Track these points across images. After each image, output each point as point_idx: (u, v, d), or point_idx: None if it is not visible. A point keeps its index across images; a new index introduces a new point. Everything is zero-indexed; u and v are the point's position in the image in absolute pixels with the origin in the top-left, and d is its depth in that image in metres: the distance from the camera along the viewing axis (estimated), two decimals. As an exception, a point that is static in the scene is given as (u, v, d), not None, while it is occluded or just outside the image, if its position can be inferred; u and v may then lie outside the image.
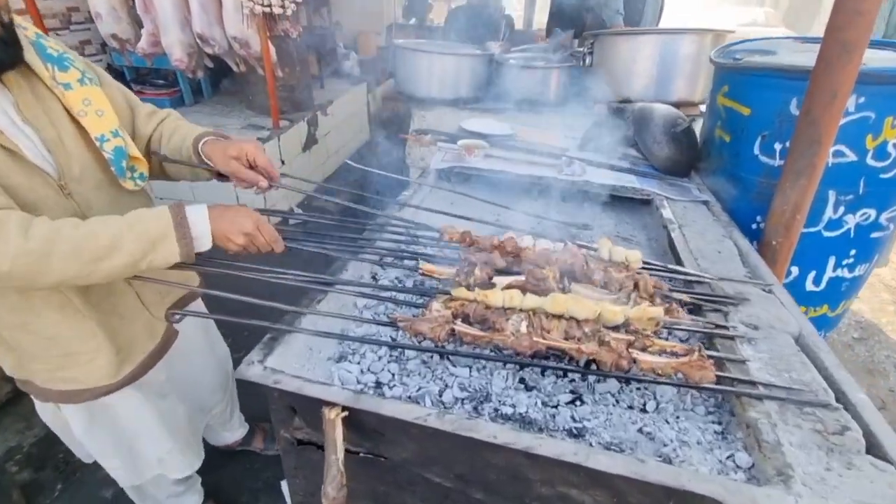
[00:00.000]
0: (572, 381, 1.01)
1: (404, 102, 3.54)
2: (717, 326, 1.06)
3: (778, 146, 1.72)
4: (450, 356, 1.03)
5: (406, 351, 1.03)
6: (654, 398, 0.97)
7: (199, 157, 1.19)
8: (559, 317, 1.01)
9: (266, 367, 0.86)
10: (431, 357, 1.03)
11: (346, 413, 0.81)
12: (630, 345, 0.95)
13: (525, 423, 0.89)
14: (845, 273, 1.89)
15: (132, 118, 1.22)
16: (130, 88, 4.40)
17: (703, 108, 2.91)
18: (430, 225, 1.35)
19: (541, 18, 6.65)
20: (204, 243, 0.94)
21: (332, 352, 1.04)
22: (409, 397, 0.92)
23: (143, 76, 4.56)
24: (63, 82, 0.98)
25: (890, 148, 1.60)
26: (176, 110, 4.17)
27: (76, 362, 1.11)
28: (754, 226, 1.82)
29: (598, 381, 1.00)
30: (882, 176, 1.65)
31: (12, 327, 1.04)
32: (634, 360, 0.91)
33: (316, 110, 4.67)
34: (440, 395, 0.92)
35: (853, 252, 1.83)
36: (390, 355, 1.03)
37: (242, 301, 0.96)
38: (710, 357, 0.92)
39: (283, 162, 4.09)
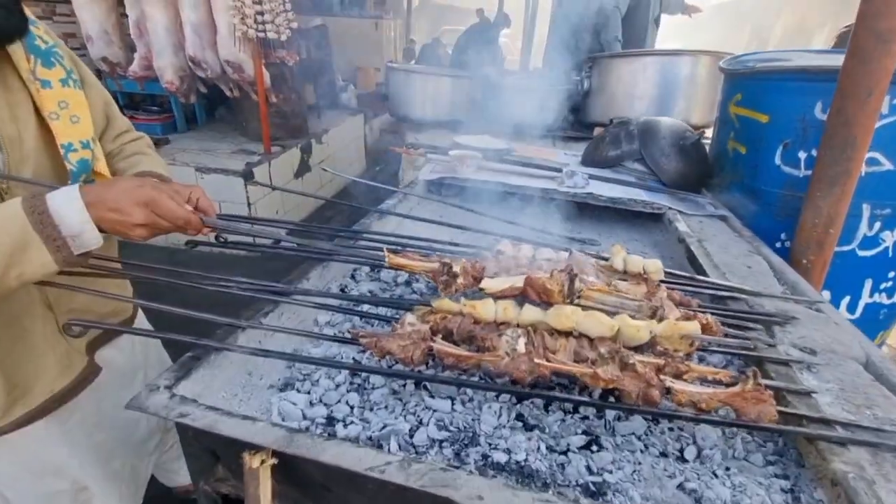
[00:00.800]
0: (585, 418, 0.78)
1: (400, 132, 3.45)
2: (767, 346, 0.85)
3: (803, 154, 1.55)
4: (427, 384, 0.80)
5: (371, 377, 0.80)
6: (694, 442, 0.74)
7: None
8: (567, 334, 0.80)
9: (174, 394, 0.64)
10: (403, 385, 0.80)
11: (275, 460, 0.58)
12: (660, 370, 0.73)
13: (524, 475, 0.66)
14: (884, 299, 1.68)
15: (104, 130, 1.09)
16: (122, 114, 4.33)
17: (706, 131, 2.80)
18: (417, 236, 1.16)
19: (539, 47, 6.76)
20: (88, 240, 0.72)
21: (277, 377, 0.82)
22: (370, 438, 0.69)
23: (137, 102, 4.50)
24: (43, 79, 0.87)
25: (930, 155, 1.44)
26: (168, 136, 4.04)
27: None
28: (779, 244, 1.63)
29: (620, 418, 0.78)
30: (922, 187, 1.48)
31: None
32: (668, 390, 0.69)
33: (311, 138, 4.58)
34: (411, 436, 0.69)
35: (892, 274, 1.63)
36: (351, 382, 0.80)
37: (182, 314, 0.75)
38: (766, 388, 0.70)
39: (272, 188, 3.95)
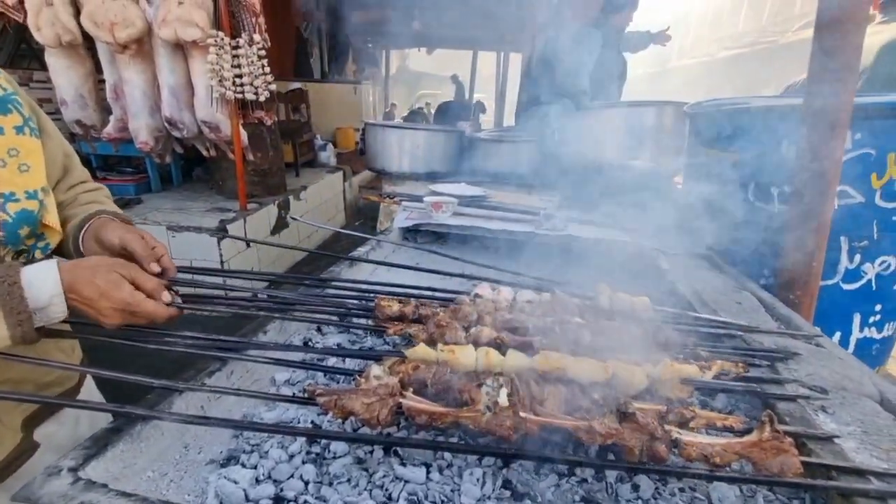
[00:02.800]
0: (584, 481, 0.67)
1: (378, 186, 3.45)
2: (769, 382, 0.77)
3: (775, 190, 1.56)
4: (397, 449, 0.69)
5: (332, 444, 0.68)
6: (710, 503, 0.63)
7: (80, 230, 0.95)
8: (556, 380, 0.71)
9: (80, 478, 0.52)
10: (370, 452, 0.69)
11: (200, 559, 0.46)
12: (663, 418, 0.64)
13: (515, 558, 0.54)
14: (874, 333, 1.64)
15: (60, 180, 1.03)
16: (96, 177, 4.30)
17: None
18: (390, 282, 1.08)
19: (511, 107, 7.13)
20: (53, 314, 0.69)
21: (220, 450, 0.69)
22: (327, 522, 0.56)
23: (112, 164, 4.45)
24: None
25: (898, 187, 1.46)
26: (141, 196, 3.96)
27: None
28: (763, 280, 1.59)
29: (622, 479, 0.67)
30: (895, 218, 1.49)
31: None
32: (675, 443, 0.60)
33: (289, 195, 4.56)
34: (378, 515, 0.57)
35: (879, 307, 1.60)
36: (308, 452, 0.68)
37: (116, 378, 0.64)
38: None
39: (248, 244, 3.85)
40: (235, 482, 0.60)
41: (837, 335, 1.64)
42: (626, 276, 1.61)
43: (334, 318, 0.92)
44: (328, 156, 6.20)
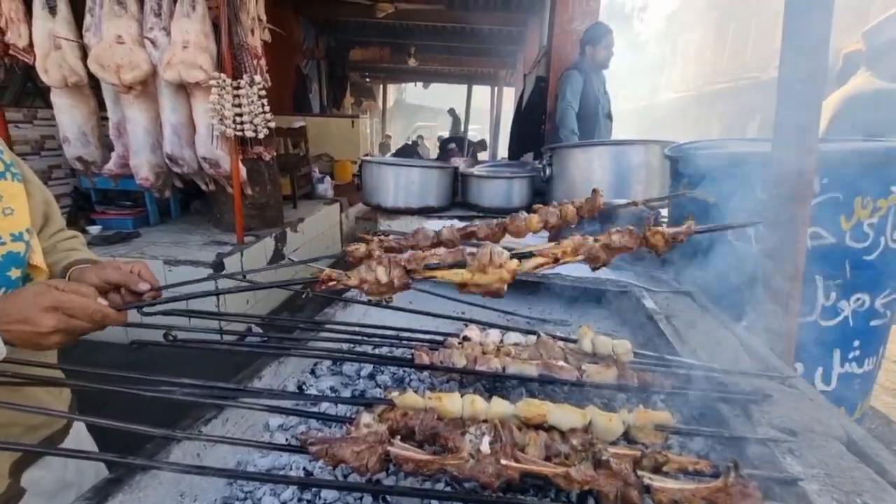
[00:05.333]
0: (564, 525, 0.70)
1: (374, 219, 3.53)
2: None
3: (751, 231, 1.63)
4: (385, 497, 0.72)
5: (323, 491, 0.71)
6: (683, 548, 0.66)
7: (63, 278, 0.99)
8: (536, 427, 0.75)
9: (83, 529, 0.55)
10: (360, 499, 0.72)
11: None
12: (637, 463, 0.67)
13: None
14: (854, 368, 1.69)
15: (42, 228, 1.07)
16: (94, 210, 4.31)
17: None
18: (382, 324, 1.12)
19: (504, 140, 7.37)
20: None
21: (214, 498, 0.72)
22: (317, 570, 0.59)
23: (111, 198, 4.52)
24: None
25: (866, 228, 1.53)
26: (139, 230, 4.02)
27: None
28: (744, 318, 1.64)
29: (600, 523, 0.70)
30: (865, 258, 1.56)
31: None
32: (648, 489, 0.63)
33: (286, 227, 4.63)
34: (366, 563, 0.60)
35: (857, 343, 1.65)
36: (300, 499, 0.71)
37: (110, 426, 0.67)
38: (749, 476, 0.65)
39: (244, 276, 3.88)
40: (230, 530, 0.63)
41: (820, 370, 1.68)
42: (610, 314, 1.67)
43: (330, 356, 0.97)
44: (325, 188, 6.32)
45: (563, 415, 0.75)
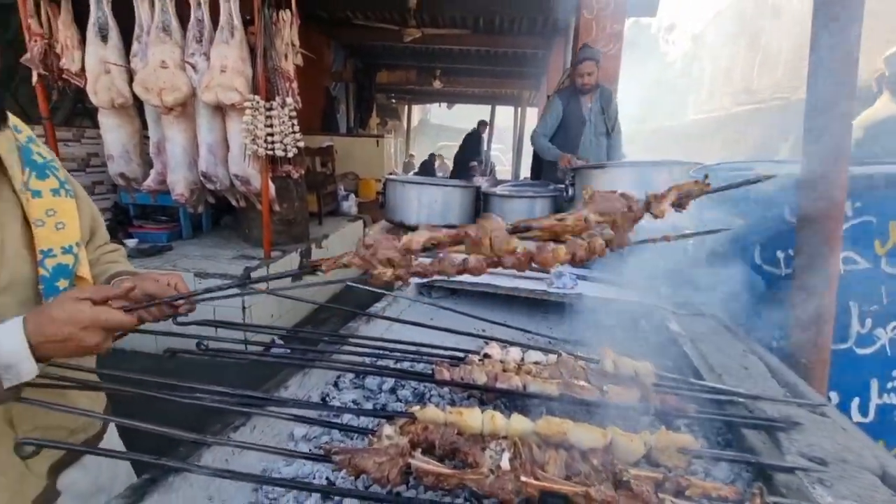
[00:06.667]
0: (583, 547, 0.70)
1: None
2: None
3: (781, 254, 1.60)
4: (406, 508, 0.73)
5: (344, 501, 0.73)
6: (706, 575, 0.65)
7: None
8: (557, 445, 0.75)
9: (122, 525, 0.58)
10: (381, 509, 0.73)
11: None
12: (659, 486, 0.67)
13: None
14: (893, 399, 1.61)
15: (88, 241, 1.14)
16: (132, 224, 4.52)
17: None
18: (404, 339, 1.14)
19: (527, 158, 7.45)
20: (20, 372, 0.71)
21: (240, 502, 0.74)
22: (338, 577, 0.60)
23: (148, 213, 4.74)
24: (34, 189, 0.94)
25: (903, 253, 1.49)
26: (172, 243, 4.20)
27: None
28: (774, 343, 1.60)
29: (620, 546, 0.69)
30: (904, 284, 1.50)
31: None
32: (669, 512, 0.63)
33: (311, 242, 4.75)
34: (385, 574, 0.61)
35: (896, 373, 1.58)
36: (322, 507, 0.73)
37: (146, 429, 0.71)
38: (776, 505, 0.64)
39: (268, 288, 3.98)
40: (255, 535, 0.65)
41: (856, 401, 1.61)
42: (634, 336, 1.64)
43: (350, 374, 0.99)
44: (350, 205, 6.47)
45: (584, 434, 0.75)
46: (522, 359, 1.11)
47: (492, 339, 1.20)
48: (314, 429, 0.93)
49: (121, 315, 0.80)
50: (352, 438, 0.91)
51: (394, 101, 15.64)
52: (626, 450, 0.74)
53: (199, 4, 3.56)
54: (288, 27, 3.81)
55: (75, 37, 3.65)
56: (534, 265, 1.00)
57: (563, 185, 3.52)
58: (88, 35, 3.58)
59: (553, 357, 1.11)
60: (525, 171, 8.27)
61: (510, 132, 14.18)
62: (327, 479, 0.79)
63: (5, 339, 0.71)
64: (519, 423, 0.78)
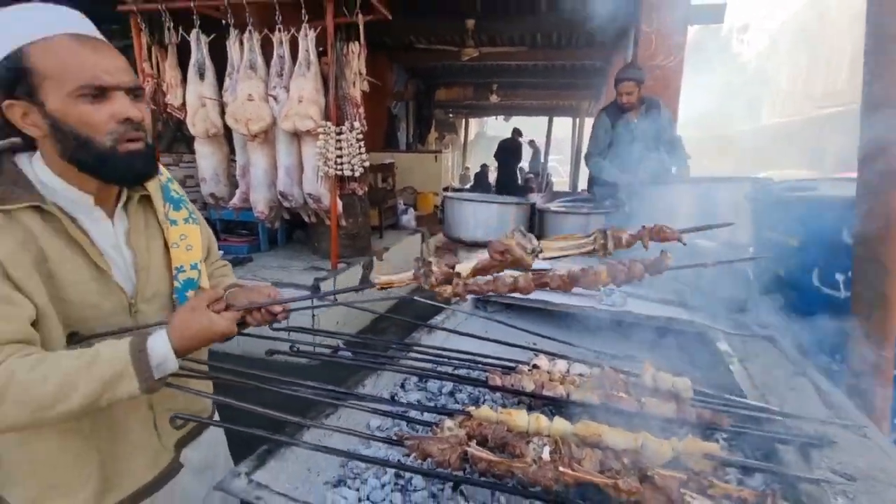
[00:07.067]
0: (614, 532, 0.81)
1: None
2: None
3: (840, 276, 1.59)
4: (462, 491, 0.88)
5: (413, 480, 0.89)
6: (723, 565, 0.74)
7: None
8: (593, 445, 0.87)
9: (252, 480, 0.78)
10: (442, 490, 0.88)
11: (328, 544, 0.68)
12: (683, 484, 0.77)
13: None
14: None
15: (205, 258, 1.40)
16: (219, 237, 5.05)
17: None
18: (461, 349, 1.30)
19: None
20: (166, 368, 0.91)
21: (331, 475, 0.93)
22: (409, 535, 0.77)
23: (231, 228, 5.29)
24: (172, 219, 1.18)
25: (977, 277, 1.42)
26: (252, 255, 4.66)
27: (57, 493, 1.04)
28: (835, 366, 1.58)
29: (647, 535, 0.79)
30: (979, 310, 1.44)
31: (9, 442, 1.02)
32: (688, 506, 0.73)
33: (373, 255, 5.06)
34: (446, 536, 0.76)
35: (975, 403, 1.50)
36: (395, 483, 0.90)
37: (252, 412, 0.92)
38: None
39: (335, 299, 4.31)
40: (345, 498, 0.83)
41: (928, 429, 1.54)
42: (680, 353, 1.69)
43: (413, 377, 1.16)
44: (409, 219, 6.77)
45: (617, 436, 0.86)
46: (568, 370, 1.23)
47: (541, 351, 1.32)
48: (385, 422, 1.11)
49: (232, 321, 1.00)
50: (417, 431, 1.07)
51: (451, 115, 16.05)
52: (655, 452, 0.84)
53: (280, 43, 4.00)
54: (356, 57, 4.16)
55: (178, 76, 4.22)
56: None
57: (619, 201, 3.54)
58: (189, 74, 4.13)
59: (597, 370, 1.21)
60: (583, 183, 8.21)
61: (568, 143, 14.05)
62: (399, 461, 0.95)
63: (158, 344, 0.90)
64: (560, 424, 0.91)
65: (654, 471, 0.77)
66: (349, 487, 0.87)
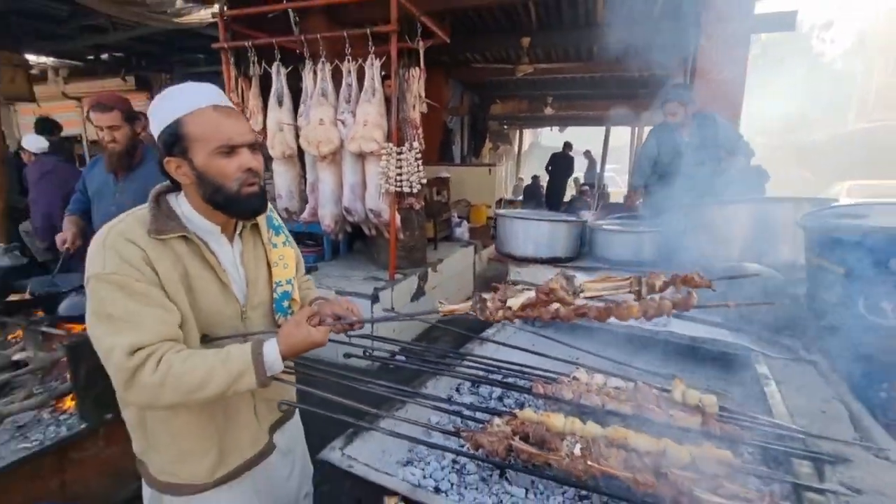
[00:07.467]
0: (634, 520, 0.96)
1: (505, 264, 3.97)
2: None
3: (888, 305, 1.60)
4: (507, 477, 1.07)
5: (467, 465, 1.09)
6: (728, 554, 0.87)
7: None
8: (619, 447, 1.02)
9: (344, 454, 1.01)
10: (490, 475, 1.08)
11: (403, 503, 0.90)
12: (694, 483, 0.91)
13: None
14: None
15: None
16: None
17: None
18: (509, 360, 1.49)
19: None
20: (275, 369, 1.12)
21: (401, 456, 1.15)
22: (464, 506, 0.97)
23: (300, 239, 5.78)
24: (273, 242, 1.45)
25: None
26: (317, 265, 5.08)
27: (186, 460, 1.30)
28: (883, 394, 1.59)
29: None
30: None
31: (154, 417, 1.29)
32: (696, 500, 0.88)
33: (427, 267, 5.33)
34: (493, 511, 0.96)
35: None
36: (452, 467, 1.10)
37: (333, 401, 1.15)
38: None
39: (392, 308, 4.61)
40: (412, 474, 1.05)
41: None
42: (717, 373, 1.77)
43: (468, 383, 1.36)
44: (462, 231, 7.00)
45: (642, 440, 1.01)
46: (605, 383, 1.38)
47: (582, 365, 1.48)
48: (443, 418, 1.32)
49: (326, 334, 1.24)
50: (469, 427, 1.27)
51: (506, 127, 16.20)
52: (674, 456, 0.99)
53: (349, 72, 4.40)
54: (416, 81, 4.48)
55: (259, 104, 4.74)
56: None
57: (673, 219, 3.54)
58: (270, 102, 4.63)
59: (632, 384, 1.35)
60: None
61: (626, 151, 13.72)
62: (455, 450, 1.16)
63: (270, 350, 1.12)
64: (592, 427, 1.07)
65: (669, 470, 0.92)
66: (415, 467, 1.09)
